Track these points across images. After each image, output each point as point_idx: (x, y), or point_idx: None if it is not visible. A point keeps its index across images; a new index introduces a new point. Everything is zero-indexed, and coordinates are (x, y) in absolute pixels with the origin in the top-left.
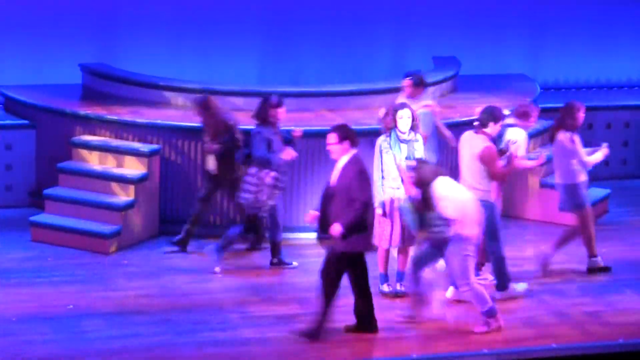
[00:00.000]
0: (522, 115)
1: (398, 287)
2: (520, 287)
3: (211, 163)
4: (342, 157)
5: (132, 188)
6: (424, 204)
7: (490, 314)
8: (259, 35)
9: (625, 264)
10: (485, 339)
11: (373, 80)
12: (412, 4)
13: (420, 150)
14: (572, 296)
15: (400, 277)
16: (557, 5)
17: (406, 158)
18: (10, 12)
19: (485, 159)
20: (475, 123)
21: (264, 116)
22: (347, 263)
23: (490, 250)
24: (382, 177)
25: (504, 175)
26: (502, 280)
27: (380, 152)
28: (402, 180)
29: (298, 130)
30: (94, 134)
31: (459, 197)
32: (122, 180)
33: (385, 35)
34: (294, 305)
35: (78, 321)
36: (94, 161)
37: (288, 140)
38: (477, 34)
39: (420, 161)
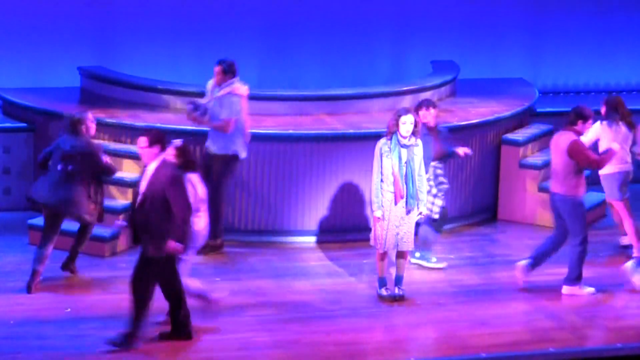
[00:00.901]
0: None
1: (396, 290)
2: (588, 289)
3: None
4: (151, 161)
5: (130, 191)
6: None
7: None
8: (259, 40)
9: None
10: (483, 343)
11: (372, 84)
12: (411, 9)
13: (419, 155)
14: (570, 300)
15: (398, 280)
16: (555, 10)
17: (405, 162)
18: (9, 15)
19: (573, 152)
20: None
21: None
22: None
23: (573, 243)
24: (381, 180)
25: (599, 162)
26: (577, 274)
27: (381, 155)
28: (395, 185)
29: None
30: (93, 137)
31: (199, 197)
32: (121, 183)
33: (384, 39)
34: (291, 308)
35: (76, 324)
36: None
37: (447, 138)
38: (476, 38)
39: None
